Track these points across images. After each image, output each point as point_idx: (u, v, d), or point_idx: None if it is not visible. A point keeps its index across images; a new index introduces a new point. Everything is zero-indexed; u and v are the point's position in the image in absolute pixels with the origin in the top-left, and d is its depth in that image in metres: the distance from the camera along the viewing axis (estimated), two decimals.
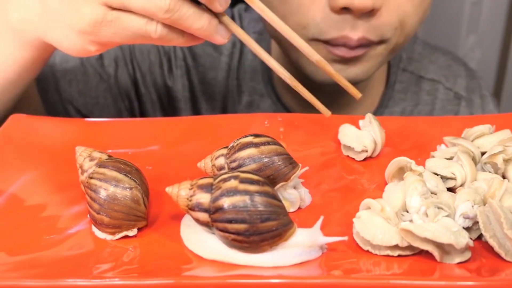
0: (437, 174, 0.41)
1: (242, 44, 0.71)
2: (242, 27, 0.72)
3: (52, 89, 0.66)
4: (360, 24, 0.53)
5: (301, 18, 0.55)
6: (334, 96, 0.64)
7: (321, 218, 0.35)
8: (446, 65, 0.76)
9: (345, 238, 0.35)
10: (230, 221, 0.33)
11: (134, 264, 0.34)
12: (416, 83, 0.74)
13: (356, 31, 0.53)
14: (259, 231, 0.33)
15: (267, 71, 0.70)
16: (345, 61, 0.56)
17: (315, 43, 0.56)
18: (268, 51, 0.70)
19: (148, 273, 0.33)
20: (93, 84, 0.68)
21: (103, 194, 0.36)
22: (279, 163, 0.38)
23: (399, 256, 0.34)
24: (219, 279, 0.33)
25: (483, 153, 0.43)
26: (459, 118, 0.61)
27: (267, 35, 0.71)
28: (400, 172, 0.42)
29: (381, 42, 0.56)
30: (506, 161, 0.42)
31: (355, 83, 0.54)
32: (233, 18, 0.74)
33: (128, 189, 0.37)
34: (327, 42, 0.55)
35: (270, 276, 0.33)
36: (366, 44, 0.55)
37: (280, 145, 0.40)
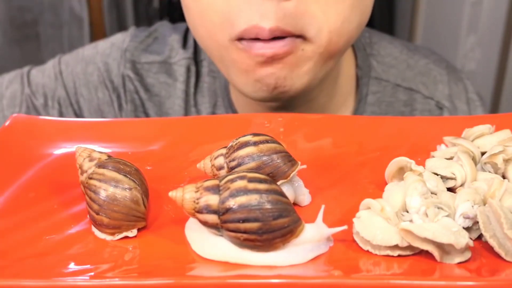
0: (437, 174, 0.41)
1: (198, 67, 0.66)
2: (197, 61, 0.66)
3: None
4: (269, 9, 0.47)
5: (212, 15, 0.50)
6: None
7: (322, 207, 0.35)
8: (426, 70, 0.68)
9: (345, 227, 0.35)
10: (242, 221, 0.33)
11: (134, 264, 0.34)
12: (392, 93, 0.66)
13: (267, 20, 0.48)
14: (272, 228, 0.34)
15: (227, 95, 0.65)
16: (271, 61, 0.50)
17: (235, 49, 0.51)
18: (227, 90, 0.65)
19: (148, 273, 0.33)
20: None
21: (102, 194, 0.36)
22: (278, 161, 0.38)
23: (399, 256, 0.34)
24: (220, 279, 0.33)
25: (483, 153, 0.43)
26: (459, 118, 0.61)
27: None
28: (400, 172, 0.42)
29: (305, 39, 0.49)
30: (506, 161, 0.41)
31: (295, 97, 0.52)
32: (185, 45, 0.67)
33: (127, 190, 0.37)
34: (242, 39, 0.50)
35: (270, 276, 0.32)
36: (283, 35, 0.48)
37: (278, 143, 0.40)
